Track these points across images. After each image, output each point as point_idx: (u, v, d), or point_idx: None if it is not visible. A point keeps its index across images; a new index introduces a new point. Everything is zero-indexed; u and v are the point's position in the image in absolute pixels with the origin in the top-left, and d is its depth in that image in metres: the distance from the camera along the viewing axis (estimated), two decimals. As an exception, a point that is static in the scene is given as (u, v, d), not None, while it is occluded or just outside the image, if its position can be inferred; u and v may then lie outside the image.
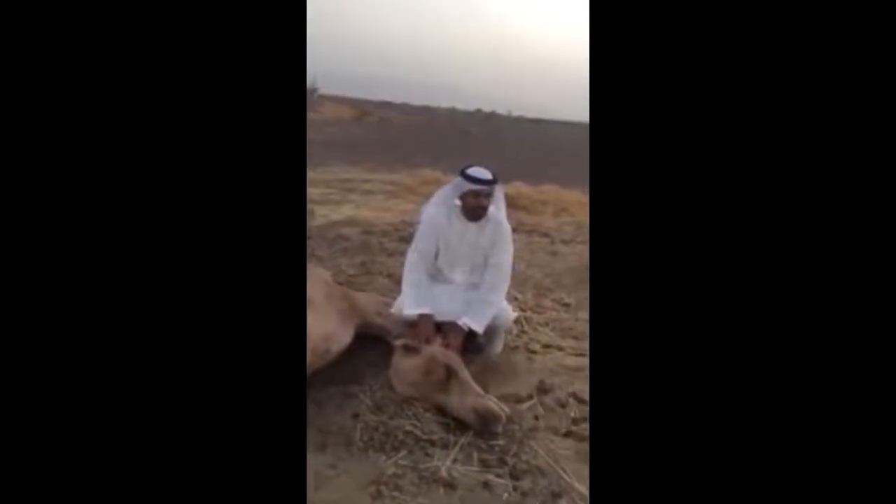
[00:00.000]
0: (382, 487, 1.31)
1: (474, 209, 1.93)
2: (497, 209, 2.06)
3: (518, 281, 3.07)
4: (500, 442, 1.54)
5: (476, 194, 1.91)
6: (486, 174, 1.92)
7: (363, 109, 23.34)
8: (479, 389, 1.66)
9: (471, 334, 1.95)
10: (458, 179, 1.94)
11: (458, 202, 1.97)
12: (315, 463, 1.37)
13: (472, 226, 1.98)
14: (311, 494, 1.26)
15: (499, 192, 2.04)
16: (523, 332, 2.39)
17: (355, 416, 1.60)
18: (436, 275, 2.06)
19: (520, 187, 5.67)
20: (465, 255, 2.02)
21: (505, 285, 2.05)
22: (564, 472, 1.44)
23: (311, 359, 1.61)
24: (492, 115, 39.70)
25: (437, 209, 2.00)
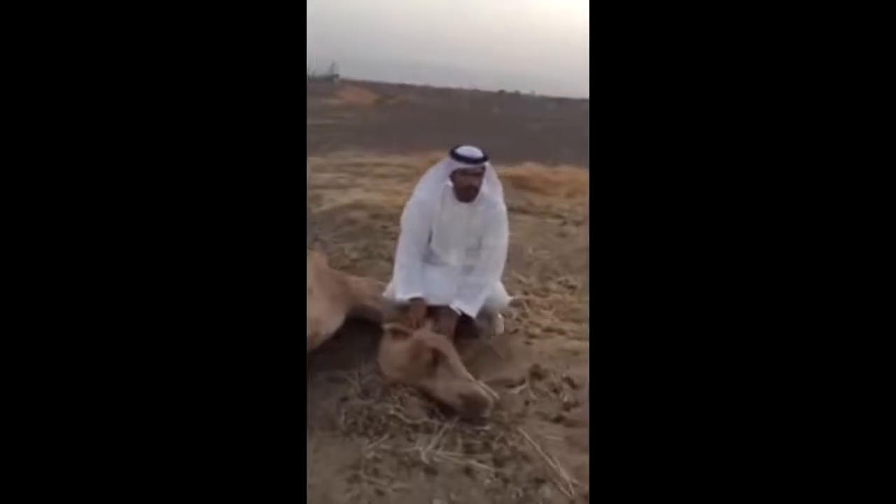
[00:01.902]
0: (360, 472, 1.30)
1: (465, 189, 1.88)
2: (492, 190, 2.00)
3: (523, 263, 3.01)
4: (487, 427, 1.51)
5: (465, 173, 1.85)
6: (476, 153, 1.86)
7: (384, 93, 23.24)
8: (467, 374, 1.63)
9: (467, 318, 1.92)
10: (448, 159, 1.89)
11: (449, 183, 1.92)
12: (295, 447, 1.37)
13: (465, 207, 1.93)
14: (287, 478, 1.26)
15: (491, 172, 1.98)
16: (524, 315, 2.34)
17: (342, 400, 1.59)
18: (429, 258, 2.02)
19: (533, 168, 5.54)
20: (459, 237, 1.97)
21: (499, 268, 2.00)
22: (550, 458, 1.40)
23: (297, 343, 1.61)
24: (514, 96, 39.02)
25: (429, 191, 1.95)
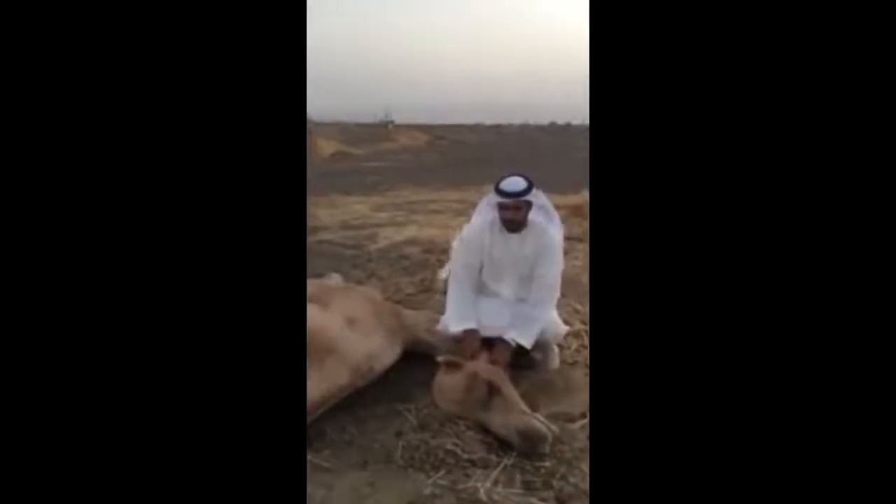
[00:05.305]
0: (418, 508, 1.28)
1: (509, 222, 1.88)
2: (545, 218, 1.99)
3: (580, 292, 2.92)
4: (547, 463, 1.45)
5: (506, 207, 1.85)
6: (516, 186, 1.84)
7: (437, 134, 23.97)
8: (524, 407, 1.58)
9: (523, 350, 1.88)
10: (493, 193, 1.90)
11: (496, 214, 1.93)
12: (354, 481, 1.38)
13: (514, 237, 1.92)
14: (346, 513, 1.27)
15: (545, 200, 1.97)
16: (584, 346, 2.26)
17: (398, 434, 1.59)
18: (482, 289, 2.02)
19: (588, 196, 5.45)
20: (510, 267, 1.96)
21: (553, 297, 1.95)
22: (617, 497, 1.31)
23: (354, 377, 1.64)
24: (567, 127, 39.02)
25: (477, 223, 1.97)
